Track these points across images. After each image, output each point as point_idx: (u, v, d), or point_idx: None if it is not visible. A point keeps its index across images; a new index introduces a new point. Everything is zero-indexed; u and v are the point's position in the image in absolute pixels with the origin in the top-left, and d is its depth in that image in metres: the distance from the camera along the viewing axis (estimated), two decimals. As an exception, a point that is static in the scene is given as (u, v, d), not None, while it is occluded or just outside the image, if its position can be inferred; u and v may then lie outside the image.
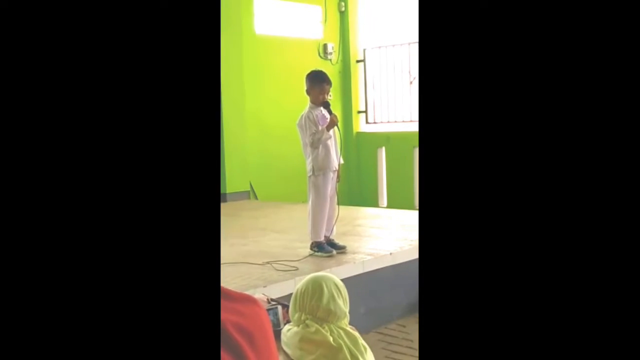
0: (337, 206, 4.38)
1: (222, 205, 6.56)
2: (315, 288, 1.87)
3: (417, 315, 4.40)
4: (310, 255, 4.32)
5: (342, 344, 1.83)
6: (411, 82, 8.35)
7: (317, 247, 4.33)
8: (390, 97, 8.68)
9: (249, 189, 7.71)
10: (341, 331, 1.87)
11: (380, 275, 4.32)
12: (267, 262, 4.18)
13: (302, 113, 4.29)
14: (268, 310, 2.01)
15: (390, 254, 4.44)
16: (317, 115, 4.23)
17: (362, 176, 8.74)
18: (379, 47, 8.75)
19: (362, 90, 8.97)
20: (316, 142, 4.20)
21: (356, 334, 1.90)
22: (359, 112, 8.99)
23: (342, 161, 4.44)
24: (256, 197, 7.78)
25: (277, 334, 1.92)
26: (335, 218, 4.40)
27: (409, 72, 8.37)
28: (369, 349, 1.89)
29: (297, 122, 4.32)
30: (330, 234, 4.42)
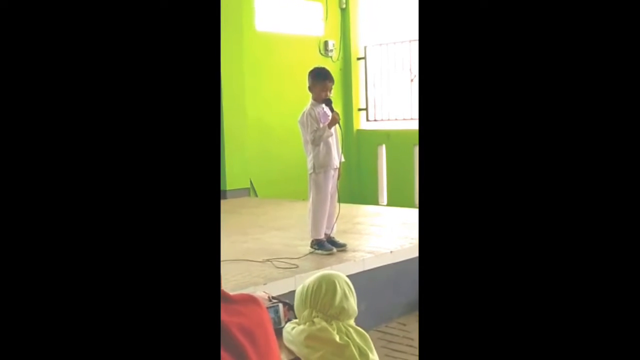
0: (337, 204, 4.37)
1: (222, 202, 6.56)
2: (329, 285, 1.88)
3: (417, 313, 4.40)
4: (311, 252, 4.31)
5: (350, 341, 1.84)
6: (412, 80, 8.34)
7: (317, 244, 4.33)
8: (391, 94, 8.67)
9: (249, 186, 7.71)
10: (350, 329, 1.88)
11: (380, 273, 4.31)
12: (268, 260, 4.17)
13: (304, 110, 4.28)
14: (269, 308, 2.00)
15: (391, 252, 4.43)
16: (319, 113, 4.22)
17: (363, 174, 8.74)
18: (380, 44, 8.74)
19: (363, 88, 8.96)
20: (317, 140, 4.18)
21: (364, 332, 1.91)
22: (360, 109, 8.98)
23: (343, 159, 4.43)
24: (256, 194, 7.78)
25: (279, 332, 1.91)
26: (336, 216, 4.39)
27: (410, 69, 8.36)
28: (373, 348, 1.90)
29: (298, 119, 4.30)
30: (331, 231, 4.41)
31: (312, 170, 4.28)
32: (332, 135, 4.26)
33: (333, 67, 8.23)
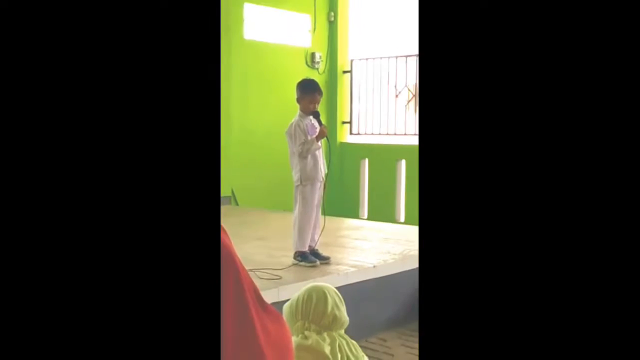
0: (322, 216, 4.36)
1: (204, 210, 6.50)
2: (319, 295, 1.88)
3: (398, 330, 4.40)
4: (294, 264, 4.29)
5: (340, 352, 1.83)
6: (397, 96, 8.39)
7: (300, 256, 4.31)
8: (376, 109, 8.70)
9: (230, 194, 7.67)
10: (342, 339, 1.88)
11: (363, 287, 4.30)
12: (250, 270, 4.14)
13: (292, 121, 4.27)
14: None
15: (374, 266, 4.43)
16: (307, 125, 4.22)
17: (345, 187, 8.75)
18: (367, 58, 8.78)
19: (348, 101, 8.99)
20: (305, 152, 4.18)
21: (354, 342, 1.91)
22: (344, 122, 9.00)
23: (326, 170, 4.43)
24: (237, 203, 7.74)
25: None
26: (320, 228, 4.38)
27: (395, 86, 8.40)
28: (364, 357, 1.90)
29: (286, 130, 4.29)
30: (315, 244, 4.39)
31: (298, 182, 4.27)
32: (319, 148, 4.26)
33: (319, 79, 8.21)
